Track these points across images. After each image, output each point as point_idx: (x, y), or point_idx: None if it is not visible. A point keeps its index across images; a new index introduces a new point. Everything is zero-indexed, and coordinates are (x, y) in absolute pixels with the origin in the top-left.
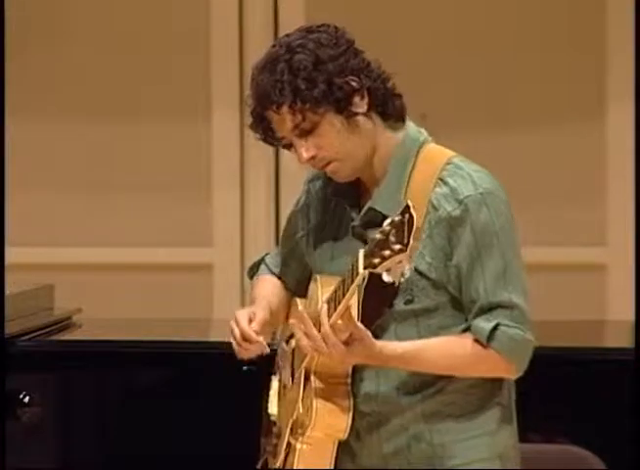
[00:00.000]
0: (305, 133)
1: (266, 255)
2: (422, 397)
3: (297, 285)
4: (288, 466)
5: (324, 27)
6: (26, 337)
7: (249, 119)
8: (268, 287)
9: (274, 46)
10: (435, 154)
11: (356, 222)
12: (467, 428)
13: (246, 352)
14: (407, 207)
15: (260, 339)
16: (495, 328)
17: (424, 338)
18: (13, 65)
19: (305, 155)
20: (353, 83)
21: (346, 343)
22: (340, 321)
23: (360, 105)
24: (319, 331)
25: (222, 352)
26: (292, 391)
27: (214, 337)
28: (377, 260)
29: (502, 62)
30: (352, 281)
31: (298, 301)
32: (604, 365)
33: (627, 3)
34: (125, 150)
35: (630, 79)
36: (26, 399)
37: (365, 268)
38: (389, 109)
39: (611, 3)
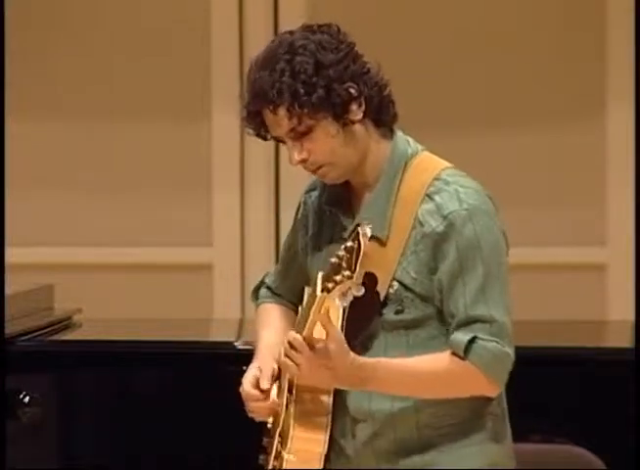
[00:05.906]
0: (299, 136)
1: (266, 275)
2: (415, 407)
3: (300, 297)
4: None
5: (326, 28)
6: (26, 337)
7: (243, 112)
8: (272, 326)
9: (274, 42)
10: (425, 167)
11: (345, 235)
12: (458, 438)
13: (260, 413)
14: (357, 233)
15: (267, 388)
16: (472, 341)
17: (412, 348)
18: (13, 65)
19: (297, 157)
20: (352, 91)
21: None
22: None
23: (357, 112)
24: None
25: (222, 352)
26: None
27: (214, 337)
28: (330, 285)
29: (501, 61)
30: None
31: (300, 309)
32: (604, 365)
33: (627, 3)
34: (125, 150)
35: (630, 79)
36: (26, 400)
37: (322, 291)
38: (384, 117)
39: (611, 3)
